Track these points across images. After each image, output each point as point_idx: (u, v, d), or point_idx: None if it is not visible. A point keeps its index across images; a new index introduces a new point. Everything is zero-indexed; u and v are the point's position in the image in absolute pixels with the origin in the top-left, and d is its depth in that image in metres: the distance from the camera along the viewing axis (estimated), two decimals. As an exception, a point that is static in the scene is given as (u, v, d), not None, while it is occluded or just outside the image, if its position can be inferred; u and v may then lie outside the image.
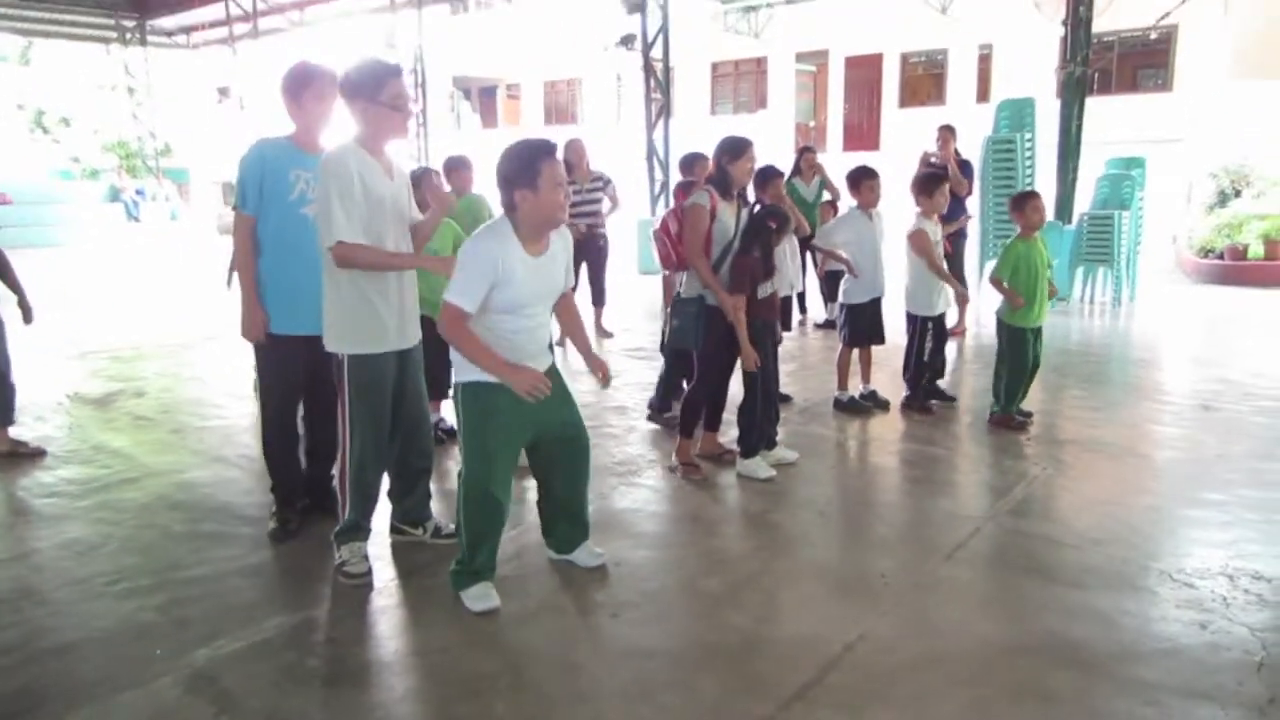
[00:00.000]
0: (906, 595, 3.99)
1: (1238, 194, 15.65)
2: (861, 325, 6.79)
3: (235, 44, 25.55)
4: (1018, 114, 11.97)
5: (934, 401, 6.88)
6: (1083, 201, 12.34)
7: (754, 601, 3.98)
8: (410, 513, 4.56)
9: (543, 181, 3.58)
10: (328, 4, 24.28)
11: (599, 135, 26.40)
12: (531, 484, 4.33)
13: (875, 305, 6.79)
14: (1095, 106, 13.47)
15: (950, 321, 7.52)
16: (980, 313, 10.12)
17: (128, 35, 27.87)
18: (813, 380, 7.80)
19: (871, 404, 6.91)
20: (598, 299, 9.92)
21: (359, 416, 4.10)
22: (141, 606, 3.93)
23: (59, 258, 19.88)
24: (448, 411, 6.44)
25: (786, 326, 7.54)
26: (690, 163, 6.89)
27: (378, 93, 3.94)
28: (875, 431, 6.50)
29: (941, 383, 7.14)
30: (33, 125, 35.58)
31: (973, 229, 11.57)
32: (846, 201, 10.00)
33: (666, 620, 3.82)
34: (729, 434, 5.77)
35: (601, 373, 4.15)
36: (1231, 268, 13.31)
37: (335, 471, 4.31)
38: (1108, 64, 21.15)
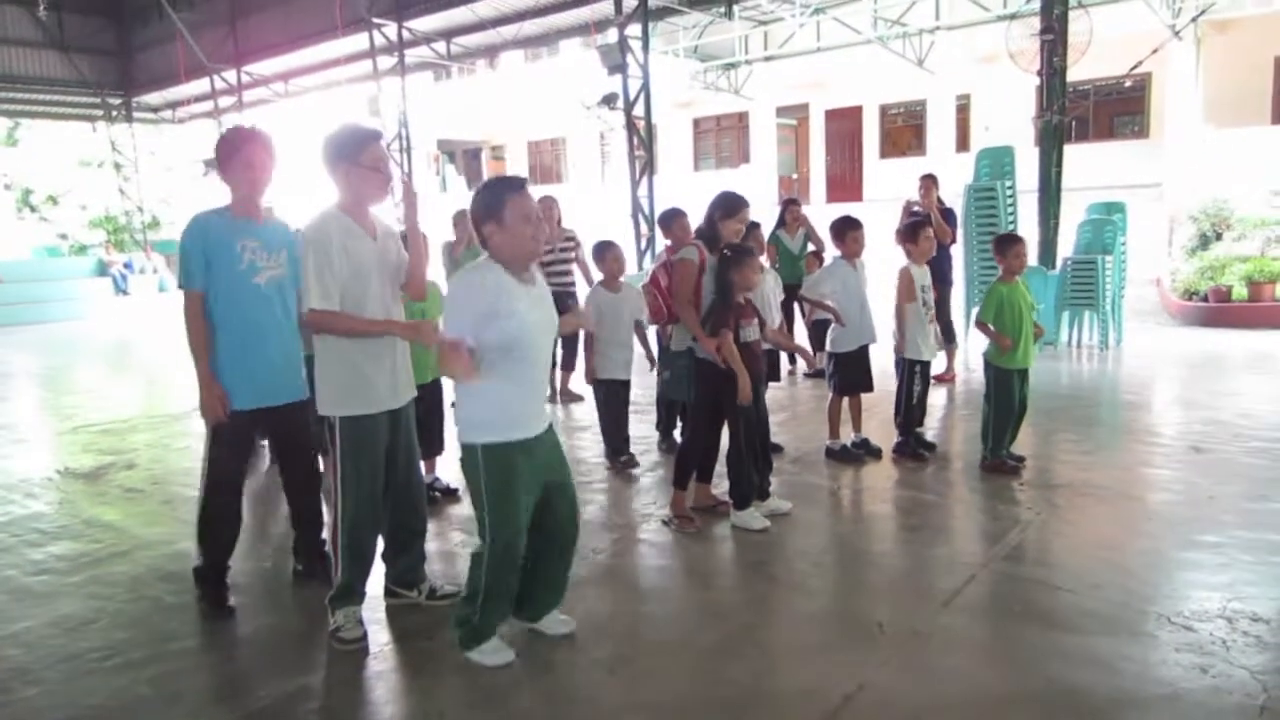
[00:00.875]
0: (905, 644, 3.97)
1: (1219, 237, 15.82)
2: (850, 373, 6.80)
3: (220, 117, 25.74)
4: (997, 162, 12.09)
5: (919, 449, 6.88)
6: (1065, 246, 12.44)
7: (752, 654, 3.96)
8: (405, 575, 4.53)
9: (508, 214, 3.59)
10: (311, 75, 24.54)
11: (584, 193, 26.70)
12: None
13: (863, 353, 6.81)
14: (1074, 153, 13.65)
15: (939, 368, 7.55)
16: (969, 358, 10.15)
17: (114, 112, 28.16)
18: (804, 429, 7.80)
19: (863, 452, 6.91)
20: (567, 363, 9.56)
21: (350, 478, 4.08)
22: (134, 680, 3.89)
23: (49, 334, 19.93)
24: (443, 471, 6.46)
25: (775, 377, 7.57)
26: (668, 220, 6.92)
27: (357, 156, 4.00)
28: (868, 479, 6.50)
29: (922, 429, 7.11)
30: (20, 204, 35.81)
31: (958, 275, 11.67)
32: (832, 252, 10.15)
33: (664, 675, 3.80)
34: (722, 485, 5.76)
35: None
36: (1216, 309, 13.39)
37: (326, 535, 4.29)
38: (1084, 112, 21.46)
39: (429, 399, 6.17)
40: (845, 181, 26.89)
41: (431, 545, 5.45)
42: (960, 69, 22.53)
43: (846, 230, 6.77)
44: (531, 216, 3.65)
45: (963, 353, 10.47)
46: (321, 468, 4.79)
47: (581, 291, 9.16)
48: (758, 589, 4.72)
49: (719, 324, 5.25)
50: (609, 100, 16.68)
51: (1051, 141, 11.87)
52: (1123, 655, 3.76)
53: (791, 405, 8.92)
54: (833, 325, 6.84)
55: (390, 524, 4.40)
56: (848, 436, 6.97)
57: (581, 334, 7.38)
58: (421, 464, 6.24)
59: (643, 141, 16.20)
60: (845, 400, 6.92)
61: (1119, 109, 22.80)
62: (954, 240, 10.05)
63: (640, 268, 15.62)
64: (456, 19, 19.64)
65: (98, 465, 7.76)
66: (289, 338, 4.53)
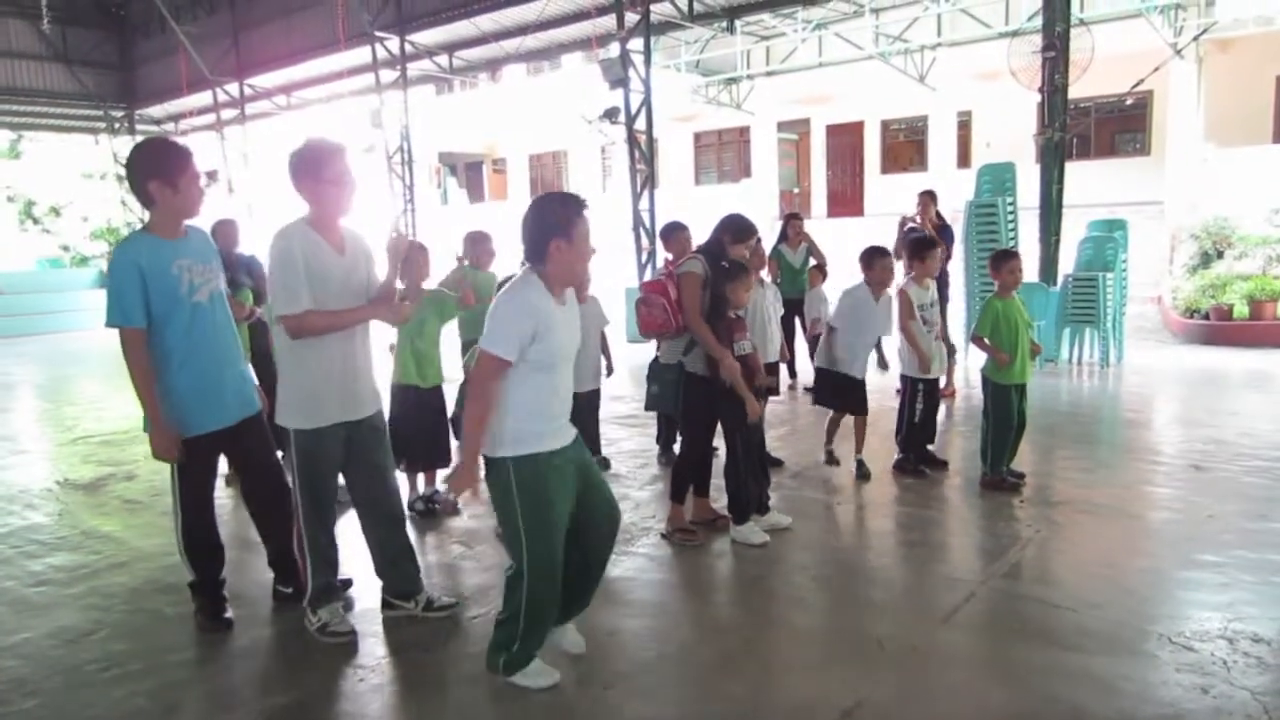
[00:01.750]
0: (904, 660, 3.97)
1: (1220, 255, 15.83)
2: (821, 390, 6.94)
3: (223, 129, 25.79)
4: (998, 178, 12.10)
5: (924, 467, 6.86)
6: (1066, 264, 12.45)
7: (750, 669, 3.96)
8: (401, 587, 4.54)
9: (577, 233, 3.57)
10: (314, 88, 24.60)
11: (586, 207, 26.70)
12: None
13: (839, 377, 6.78)
14: (1075, 171, 13.66)
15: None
16: (970, 375, 10.15)
17: (116, 125, 28.22)
18: (804, 444, 7.80)
19: (856, 472, 6.87)
20: None
21: (304, 486, 4.16)
22: (132, 693, 3.88)
23: (51, 345, 19.96)
24: (443, 484, 6.46)
25: (774, 391, 7.57)
26: (669, 234, 6.93)
27: (319, 172, 4.02)
28: (868, 495, 6.50)
29: (932, 447, 7.12)
30: (22, 216, 35.85)
31: (957, 291, 11.67)
32: (831, 267, 10.16)
33: (662, 691, 3.79)
34: (721, 500, 5.75)
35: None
36: (1217, 328, 13.40)
37: (295, 542, 4.34)
38: (1086, 129, 21.48)
39: (433, 409, 6.17)
40: (846, 196, 26.92)
41: (432, 558, 5.48)
42: (962, 85, 22.56)
43: (875, 259, 6.71)
44: (588, 237, 3.64)
45: (962, 369, 10.48)
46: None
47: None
48: (757, 604, 4.72)
49: (719, 339, 5.25)
50: (610, 114, 16.69)
51: (1052, 158, 11.88)
52: (1123, 675, 3.75)
53: (792, 420, 8.92)
54: (832, 338, 6.82)
55: (369, 533, 4.43)
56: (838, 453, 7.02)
57: None
58: (422, 476, 6.31)
59: (644, 155, 16.22)
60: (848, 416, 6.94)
61: (1120, 126, 22.82)
62: (949, 257, 10.05)
63: (641, 282, 15.62)
64: (459, 33, 19.67)
65: (97, 477, 7.76)
66: (236, 350, 4.47)
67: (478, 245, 7.35)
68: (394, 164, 21.29)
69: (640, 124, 15.96)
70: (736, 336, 5.38)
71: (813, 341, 10.15)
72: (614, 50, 16.15)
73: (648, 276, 15.71)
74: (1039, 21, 12.16)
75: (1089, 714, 3.46)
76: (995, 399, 6.42)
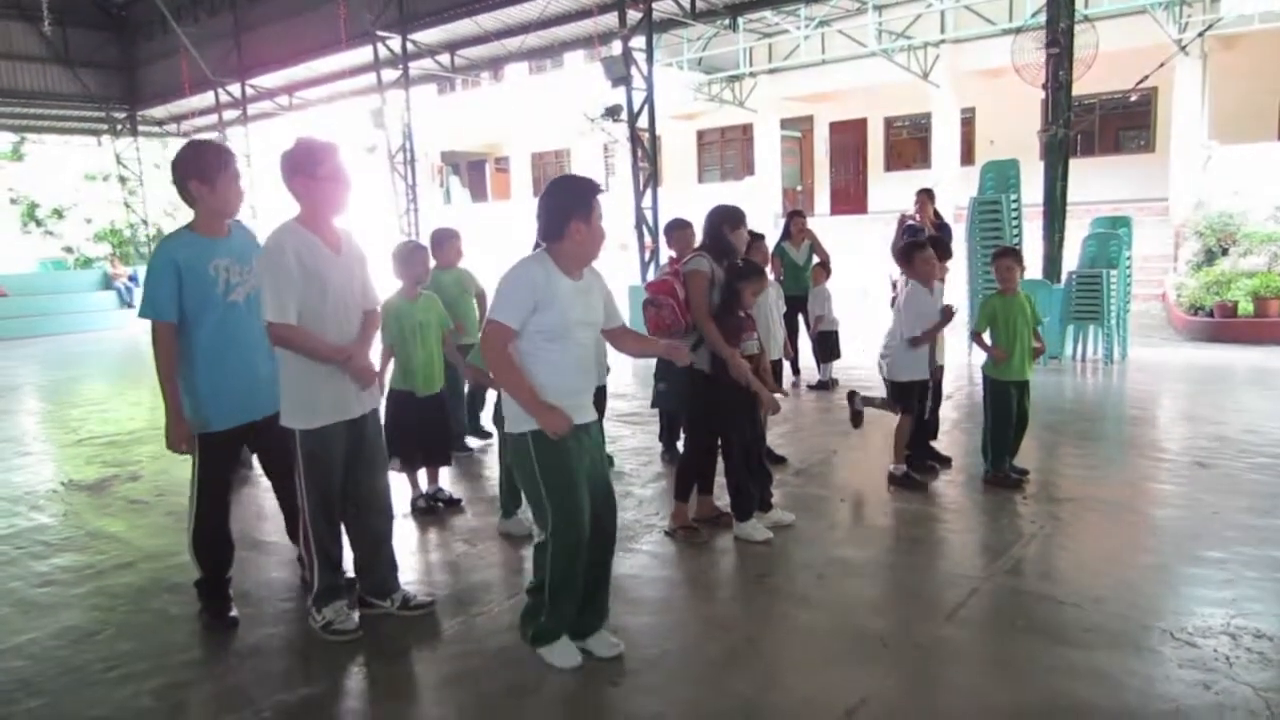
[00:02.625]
0: (907, 657, 3.97)
1: (1224, 252, 15.81)
2: (908, 400, 6.52)
3: (225, 130, 25.80)
4: (1002, 175, 12.10)
5: (931, 462, 6.85)
6: (1070, 260, 12.44)
7: (755, 666, 3.96)
8: (377, 584, 4.56)
9: (594, 215, 3.73)
10: (316, 87, 24.62)
11: (602, 190, 26.70)
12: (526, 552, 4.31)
13: (925, 385, 6.60)
14: (1079, 168, 13.63)
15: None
16: (973, 372, 10.15)
17: (118, 126, 28.24)
18: (807, 442, 7.81)
19: (934, 466, 6.81)
20: None
21: (310, 485, 4.18)
22: (138, 692, 3.89)
23: (55, 346, 19.99)
24: (445, 482, 6.48)
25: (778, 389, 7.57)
26: (673, 231, 6.90)
27: (316, 168, 4.04)
28: (871, 492, 6.49)
29: (935, 443, 7.11)
30: (25, 218, 35.95)
31: (960, 289, 11.67)
32: (834, 265, 10.16)
33: (668, 688, 3.80)
34: (725, 498, 5.75)
35: (679, 351, 4.15)
36: (1222, 325, 13.38)
37: (300, 540, 4.36)
38: (1090, 126, 21.43)
39: (434, 411, 6.19)
40: (850, 194, 26.91)
41: (435, 555, 5.49)
42: (965, 82, 22.53)
43: (913, 253, 6.42)
44: (603, 220, 3.80)
45: (967, 367, 10.48)
46: None
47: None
48: (760, 601, 4.72)
49: (727, 338, 5.25)
50: (613, 112, 16.69)
51: (1056, 155, 11.87)
52: (1126, 670, 3.75)
53: (795, 417, 8.92)
54: (886, 346, 6.57)
55: (355, 529, 4.45)
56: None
57: None
58: (424, 474, 6.33)
59: (646, 154, 16.21)
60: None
61: (1125, 123, 22.77)
62: (949, 255, 10.01)
63: (644, 280, 15.63)
64: (460, 31, 19.67)
65: (102, 477, 7.78)
66: (265, 350, 4.47)
67: (444, 244, 7.37)
68: (396, 163, 21.29)
69: (643, 122, 15.95)
70: (744, 336, 5.39)
71: (817, 339, 10.18)
72: (616, 48, 16.15)
73: (651, 274, 15.72)
74: (1043, 18, 12.13)
75: (1091, 709, 3.46)
76: (994, 395, 6.42)
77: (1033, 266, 7.69)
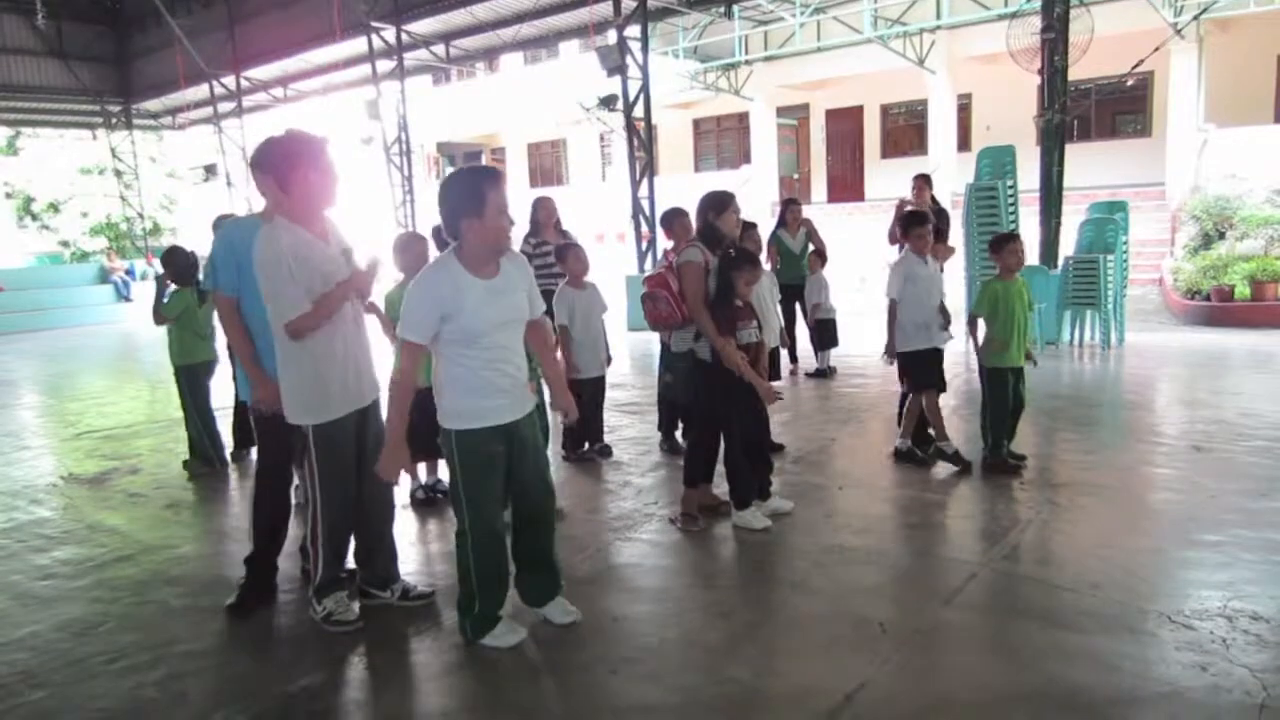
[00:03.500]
0: (906, 642, 3.99)
1: (1221, 236, 15.82)
2: (919, 373, 6.58)
3: (220, 122, 25.77)
4: (999, 161, 12.10)
5: (942, 445, 6.79)
6: (1067, 246, 12.45)
7: (753, 653, 3.98)
8: (377, 575, 4.59)
9: (489, 209, 3.64)
10: (310, 79, 24.57)
11: (585, 195, 26.69)
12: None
13: (933, 353, 6.61)
14: (1075, 153, 13.63)
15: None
16: (971, 358, 10.15)
17: (114, 120, 28.21)
18: (805, 429, 7.82)
19: (939, 458, 6.63)
20: None
21: (324, 478, 4.20)
22: (140, 684, 3.91)
23: (52, 341, 20.00)
24: (444, 473, 6.49)
25: (776, 376, 7.57)
26: (670, 220, 6.89)
27: (316, 161, 4.05)
28: (869, 478, 6.50)
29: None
30: (21, 212, 35.92)
31: (958, 273, 11.68)
32: (831, 253, 10.16)
33: (666, 675, 3.81)
34: (724, 486, 5.76)
35: (566, 408, 4.25)
36: (1218, 309, 13.40)
37: (306, 533, 4.38)
38: (1086, 111, 21.42)
39: (432, 402, 6.17)
40: (847, 181, 26.88)
41: (434, 546, 5.51)
42: (961, 68, 22.50)
43: (911, 225, 6.65)
44: (505, 208, 3.71)
45: (965, 353, 10.49)
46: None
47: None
48: (759, 588, 4.74)
49: (722, 327, 5.25)
50: (608, 102, 16.69)
51: (1053, 141, 11.87)
52: (1123, 654, 3.77)
53: (794, 405, 8.93)
54: (902, 319, 6.59)
55: (358, 518, 4.47)
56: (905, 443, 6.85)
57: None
58: (423, 465, 6.34)
59: (643, 143, 16.20)
60: (924, 400, 6.64)
61: (1121, 108, 22.74)
62: (945, 238, 10.02)
63: (641, 269, 15.62)
64: (455, 22, 19.65)
65: (101, 471, 7.78)
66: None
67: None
68: (392, 155, 21.28)
69: (638, 111, 15.94)
70: (741, 324, 5.38)
71: (814, 327, 10.19)
72: (611, 37, 16.14)
73: (648, 264, 15.73)
74: (1038, 3, 12.11)
75: (1089, 693, 3.48)
76: (991, 382, 6.43)
77: (1030, 252, 7.70)
